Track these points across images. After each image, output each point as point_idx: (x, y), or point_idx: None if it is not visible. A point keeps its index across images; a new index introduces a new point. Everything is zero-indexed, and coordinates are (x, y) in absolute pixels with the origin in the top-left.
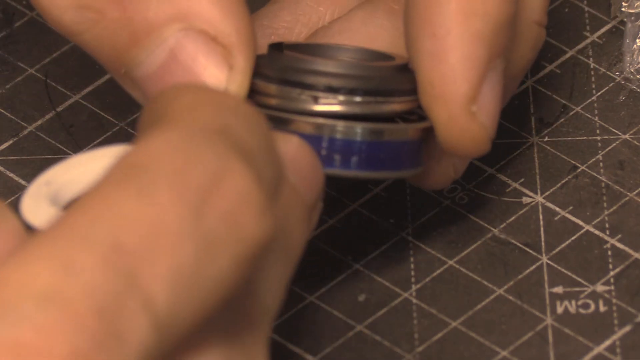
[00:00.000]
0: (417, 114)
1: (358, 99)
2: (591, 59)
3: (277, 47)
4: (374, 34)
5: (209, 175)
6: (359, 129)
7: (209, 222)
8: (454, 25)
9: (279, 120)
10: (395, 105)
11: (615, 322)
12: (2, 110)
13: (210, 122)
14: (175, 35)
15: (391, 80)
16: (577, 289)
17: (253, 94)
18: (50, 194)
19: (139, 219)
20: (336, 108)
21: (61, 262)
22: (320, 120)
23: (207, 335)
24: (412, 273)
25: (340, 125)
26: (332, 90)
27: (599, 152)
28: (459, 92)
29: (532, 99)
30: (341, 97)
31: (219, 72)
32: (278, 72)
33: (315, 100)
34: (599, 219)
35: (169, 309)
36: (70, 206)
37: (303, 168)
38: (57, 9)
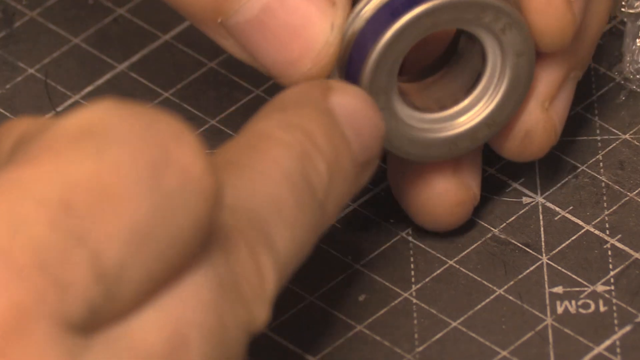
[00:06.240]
0: None
1: None
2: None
3: None
4: None
5: (169, 135)
6: None
7: (168, 180)
8: None
9: None
10: None
11: (615, 322)
12: (2, 110)
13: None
14: None
15: None
16: (577, 289)
17: None
18: None
19: (94, 179)
20: None
21: (7, 219)
22: None
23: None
24: (412, 273)
25: None
26: None
27: (599, 152)
28: None
29: None
30: None
31: (322, 4)
32: None
33: None
34: (599, 219)
35: (117, 264)
36: (18, 157)
37: (360, 123)
38: None
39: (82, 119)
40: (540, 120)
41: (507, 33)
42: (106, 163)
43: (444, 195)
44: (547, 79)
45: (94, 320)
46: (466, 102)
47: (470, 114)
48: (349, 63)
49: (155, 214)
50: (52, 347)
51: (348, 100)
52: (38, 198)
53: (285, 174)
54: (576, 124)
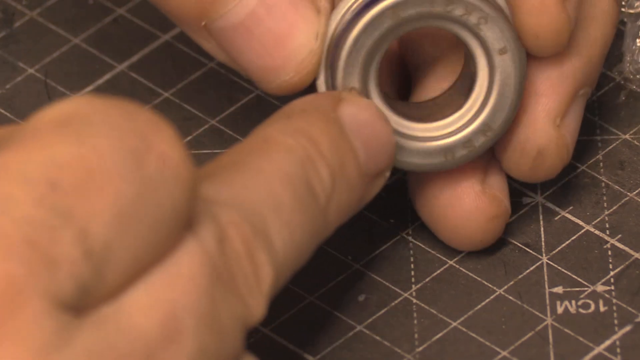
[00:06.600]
0: None
1: None
2: None
3: None
4: None
5: (148, 125)
6: None
7: (149, 166)
8: None
9: None
10: None
11: (615, 322)
12: (2, 110)
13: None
14: None
15: None
16: (577, 289)
17: None
18: None
19: (79, 160)
20: None
21: None
22: None
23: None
24: (412, 273)
25: None
26: None
27: (599, 152)
28: None
29: None
30: None
31: (308, 13)
32: None
33: None
34: (599, 219)
35: (104, 242)
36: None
37: (369, 135)
38: None
39: (64, 109)
40: (553, 138)
41: (483, 28)
42: (89, 147)
43: (476, 212)
44: (557, 95)
45: (85, 299)
46: (461, 110)
47: (465, 120)
48: (331, 64)
49: (138, 196)
50: (43, 324)
51: (358, 112)
52: (23, 178)
53: (285, 176)
54: None
